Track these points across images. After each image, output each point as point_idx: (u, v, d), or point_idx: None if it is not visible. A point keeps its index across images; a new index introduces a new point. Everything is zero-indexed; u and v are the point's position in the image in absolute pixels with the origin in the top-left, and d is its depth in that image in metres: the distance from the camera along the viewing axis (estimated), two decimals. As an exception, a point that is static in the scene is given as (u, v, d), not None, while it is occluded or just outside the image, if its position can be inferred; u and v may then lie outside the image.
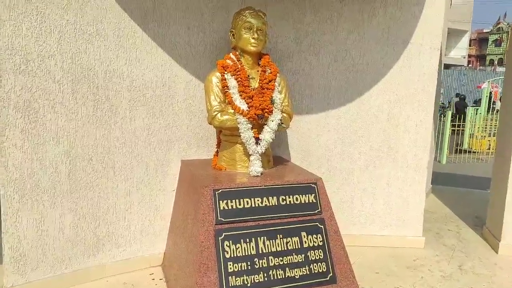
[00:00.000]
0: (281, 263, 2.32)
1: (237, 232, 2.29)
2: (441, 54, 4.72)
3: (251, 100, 2.56)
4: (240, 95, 2.56)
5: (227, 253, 2.23)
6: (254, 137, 2.57)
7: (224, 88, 2.59)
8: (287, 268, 2.32)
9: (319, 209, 2.51)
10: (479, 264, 3.25)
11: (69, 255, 2.66)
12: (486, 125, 9.68)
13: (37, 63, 2.39)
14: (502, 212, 3.44)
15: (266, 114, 2.55)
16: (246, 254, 2.26)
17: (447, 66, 29.74)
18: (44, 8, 2.37)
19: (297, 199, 2.48)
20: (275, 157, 3.09)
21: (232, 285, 2.18)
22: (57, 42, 2.45)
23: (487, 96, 10.80)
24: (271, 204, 2.42)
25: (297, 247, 2.38)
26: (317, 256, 2.41)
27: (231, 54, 2.71)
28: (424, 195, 3.52)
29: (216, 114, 2.57)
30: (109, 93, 2.68)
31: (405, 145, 3.44)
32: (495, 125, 9.33)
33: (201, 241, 2.21)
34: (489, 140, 9.34)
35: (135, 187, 2.87)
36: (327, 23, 3.26)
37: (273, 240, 2.34)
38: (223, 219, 2.29)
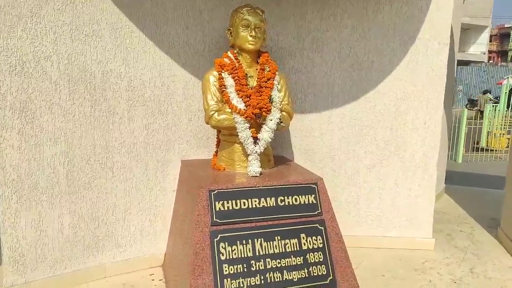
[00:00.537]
0: (279, 265, 2.25)
1: (233, 234, 2.24)
2: (453, 49, 4.58)
3: (248, 99, 2.50)
4: (237, 94, 2.50)
5: (223, 255, 2.18)
6: (252, 136, 2.51)
7: (221, 87, 2.54)
8: (285, 271, 2.25)
9: (320, 210, 2.44)
10: (492, 268, 3.11)
11: (68, 256, 2.66)
12: (505, 122, 9.37)
13: (33, 64, 2.39)
14: (517, 213, 3.30)
15: (264, 113, 2.49)
16: (242, 256, 2.21)
17: (466, 63, 29.06)
18: (39, 9, 2.37)
19: (296, 200, 2.42)
20: (278, 156, 3.03)
21: (228, 287, 2.13)
22: (53, 43, 2.44)
23: (506, 92, 10.44)
24: (269, 205, 2.36)
25: (295, 249, 2.31)
26: (316, 258, 2.33)
27: (229, 52, 2.66)
28: (434, 195, 3.40)
29: (213, 114, 2.52)
30: (106, 94, 2.67)
31: (413, 143, 3.33)
32: (514, 123, 9.04)
33: (196, 243, 2.16)
34: (508, 138, 9.03)
35: (134, 187, 2.85)
36: (330, 19, 3.17)
37: (271, 242, 2.28)
38: (218, 221, 2.24)
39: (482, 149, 8.87)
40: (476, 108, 19.91)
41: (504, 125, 9.32)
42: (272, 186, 2.40)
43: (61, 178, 2.57)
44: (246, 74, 2.60)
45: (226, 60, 2.61)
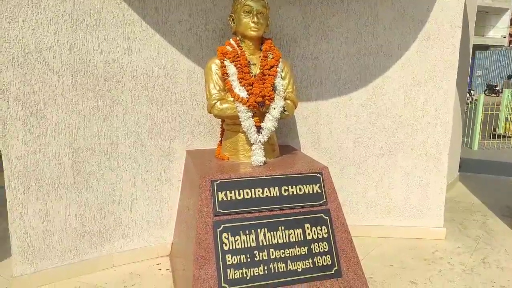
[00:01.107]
0: (283, 255, 2.23)
1: (236, 224, 2.22)
2: (467, 33, 4.42)
3: (251, 87, 2.45)
4: (240, 82, 2.46)
5: (226, 245, 2.17)
6: (255, 125, 2.47)
7: (224, 75, 2.50)
8: (289, 261, 2.23)
9: (324, 200, 2.39)
10: (505, 258, 3.03)
11: (76, 245, 2.69)
12: (524, 108, 9.08)
13: (35, 56, 2.39)
14: (532, 202, 3.20)
15: (267, 101, 2.44)
16: (246, 246, 2.19)
17: (485, 47, 28.24)
18: (40, -1, 2.36)
19: (300, 190, 2.38)
20: (283, 146, 2.99)
21: (231, 277, 2.12)
22: (55, 34, 2.43)
23: (526, 77, 10.07)
24: (272, 195, 2.33)
25: (300, 239, 2.28)
26: (321, 248, 2.30)
27: (231, 40, 2.61)
28: (445, 183, 3.31)
29: (215, 103, 2.49)
30: (110, 84, 2.66)
31: (424, 131, 3.24)
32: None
33: (199, 233, 2.15)
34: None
35: (140, 178, 2.85)
36: (336, 4, 3.08)
37: (274, 232, 2.25)
38: (221, 211, 2.22)
39: (500, 136, 8.62)
40: (494, 94, 19.40)
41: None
42: (276, 176, 2.37)
43: (66, 169, 2.59)
44: (249, 62, 2.55)
45: (228, 47, 2.56)
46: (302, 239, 2.28)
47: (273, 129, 2.51)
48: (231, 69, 2.49)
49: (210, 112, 2.55)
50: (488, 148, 8.04)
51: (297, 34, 3.10)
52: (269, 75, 2.51)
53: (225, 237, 2.18)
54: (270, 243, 2.23)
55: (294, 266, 2.23)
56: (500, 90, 21.00)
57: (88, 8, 2.52)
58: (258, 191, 2.31)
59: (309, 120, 3.22)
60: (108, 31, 2.60)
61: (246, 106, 2.42)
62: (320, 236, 2.32)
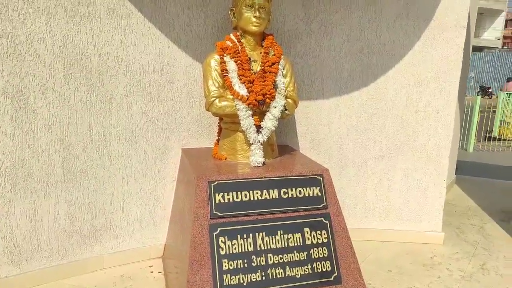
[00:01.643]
0: (281, 261, 2.15)
1: (233, 227, 2.13)
2: (469, 34, 4.36)
3: (251, 84, 2.36)
4: (240, 79, 2.37)
5: (222, 249, 2.08)
6: (255, 124, 2.38)
7: (223, 71, 2.40)
8: (287, 267, 2.15)
9: (325, 203, 2.32)
10: (504, 264, 2.99)
11: (65, 246, 2.58)
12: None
13: (25, 47, 2.27)
14: (532, 207, 3.15)
15: (267, 100, 2.35)
16: (243, 251, 2.10)
17: (480, 49, 28.39)
18: (31, -13, 2.24)
19: (300, 192, 2.30)
20: (282, 146, 2.90)
21: (227, 283, 2.03)
22: (46, 24, 2.31)
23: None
24: (271, 198, 2.24)
25: (299, 244, 2.20)
26: (321, 254, 2.22)
27: (231, 35, 2.51)
28: (445, 187, 3.26)
29: (213, 100, 2.39)
30: (103, 78, 2.54)
31: (425, 133, 3.18)
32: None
33: (194, 236, 2.06)
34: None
35: (133, 176, 2.75)
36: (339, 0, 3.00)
37: (273, 236, 2.17)
38: (218, 213, 2.13)
39: (494, 139, 8.63)
40: (487, 96, 19.48)
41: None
42: (275, 178, 2.29)
43: (56, 166, 2.48)
44: (249, 58, 2.45)
45: (228, 43, 2.46)
46: (301, 244, 2.21)
47: (273, 128, 2.43)
48: (231, 65, 2.40)
49: (208, 110, 2.45)
50: (483, 150, 8.04)
51: (299, 31, 3.01)
52: (270, 72, 2.42)
53: (221, 241, 2.09)
54: (268, 247, 2.15)
55: (293, 272, 2.15)
56: (493, 92, 21.12)
57: (82, -2, 2.40)
58: (257, 193, 2.23)
59: (309, 120, 3.14)
60: (103, 22, 2.49)
61: (246, 104, 2.33)
62: (319, 241, 2.24)
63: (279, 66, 2.47)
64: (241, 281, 2.06)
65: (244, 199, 2.19)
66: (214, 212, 2.12)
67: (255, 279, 2.08)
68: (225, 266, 2.06)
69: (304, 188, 2.31)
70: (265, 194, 2.24)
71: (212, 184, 2.17)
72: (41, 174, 2.43)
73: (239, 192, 2.19)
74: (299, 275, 2.16)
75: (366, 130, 3.18)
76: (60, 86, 2.42)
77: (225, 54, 2.42)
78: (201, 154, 2.71)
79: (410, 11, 3.02)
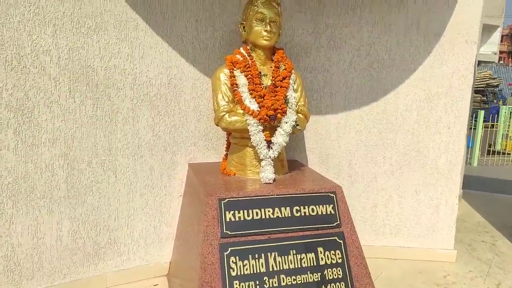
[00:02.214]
0: (294, 282, 2.06)
1: (244, 247, 2.04)
2: (476, 49, 4.34)
3: (262, 99, 2.30)
4: (250, 94, 2.31)
5: (233, 270, 1.99)
6: (265, 140, 2.31)
7: (233, 86, 2.34)
8: (300, 288, 2.06)
9: (338, 222, 2.24)
10: (520, 283, 2.90)
11: (67, 264, 2.49)
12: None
13: (30, 59, 2.21)
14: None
15: (279, 115, 2.29)
16: (255, 271, 2.01)
17: (477, 63, 28.59)
18: (38, -1, 2.19)
19: (313, 210, 2.22)
20: (291, 161, 2.83)
21: (238, 306, 1.95)
22: (53, 36, 2.26)
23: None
24: (283, 216, 2.17)
25: (312, 264, 2.11)
26: (335, 275, 2.13)
27: (241, 48, 2.46)
28: (457, 204, 3.18)
29: (223, 115, 2.33)
30: (110, 91, 2.48)
31: (436, 149, 3.11)
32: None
33: (204, 257, 1.98)
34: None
35: (138, 192, 2.67)
36: (349, 14, 2.96)
37: (285, 257, 2.08)
38: (229, 232, 2.05)
39: (498, 153, 8.59)
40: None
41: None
42: (287, 195, 2.21)
43: (60, 181, 2.39)
44: (260, 72, 2.40)
45: (238, 56, 2.41)
46: (315, 264, 2.12)
47: (284, 144, 2.36)
48: (241, 79, 2.34)
49: (217, 125, 2.39)
50: (487, 164, 7.99)
51: (308, 45, 2.97)
52: (281, 87, 2.36)
53: (232, 261, 2.00)
54: (281, 268, 2.06)
55: (306, 294, 2.06)
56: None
57: (90, 10, 2.35)
58: (269, 211, 2.15)
59: (318, 135, 3.08)
60: (110, 35, 2.44)
61: (257, 120, 2.26)
62: (334, 261, 2.16)
63: (290, 80, 2.42)
64: (253, 304, 1.97)
65: (255, 217, 2.11)
66: (224, 231, 2.04)
67: (267, 302, 1.99)
68: (237, 287, 1.96)
69: (317, 206, 2.23)
70: (277, 212, 2.16)
71: (222, 202, 2.09)
72: (44, 190, 2.35)
73: (250, 210, 2.12)
74: (313, 297, 2.07)
75: (376, 146, 3.12)
76: (65, 99, 2.36)
77: (235, 68, 2.37)
78: (209, 169, 2.64)
79: (420, 26, 2.99)
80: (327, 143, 3.10)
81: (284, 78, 2.39)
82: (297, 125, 2.39)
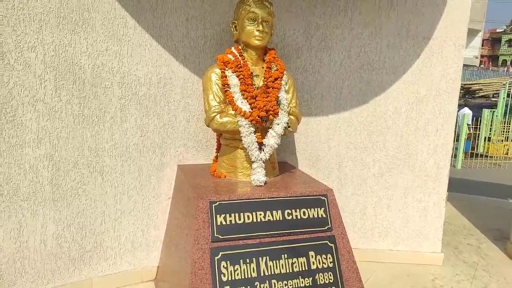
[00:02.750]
0: (286, 287, 2.03)
1: (236, 251, 2.01)
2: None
3: (254, 100, 2.27)
4: (242, 95, 2.27)
5: (224, 275, 1.95)
6: (257, 142, 2.28)
7: (225, 86, 2.30)
8: (292, 293, 2.04)
9: (329, 225, 2.22)
10: (506, 286, 2.93)
11: (51, 269, 2.40)
12: (503, 128, 9.26)
13: (14, 55, 2.13)
14: (531, 228, 3.13)
15: (271, 116, 2.26)
16: (246, 276, 1.98)
17: (459, 66, 29.11)
18: (23, -7, 2.11)
19: (304, 214, 2.20)
20: (281, 163, 2.80)
21: (229, 312, 1.91)
22: (38, 32, 2.18)
23: (504, 98, 10.34)
24: (275, 219, 2.14)
25: (304, 268, 2.09)
26: (326, 279, 2.12)
27: (233, 48, 2.42)
28: (444, 206, 3.21)
29: (215, 116, 2.29)
30: (97, 90, 2.41)
31: (424, 151, 3.13)
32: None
33: (194, 261, 1.93)
34: (507, 145, 8.93)
35: (126, 194, 2.60)
36: (340, 15, 2.95)
37: (277, 261, 2.06)
38: (220, 236, 2.01)
39: (480, 155, 8.75)
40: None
41: (502, 131, 9.21)
42: (279, 198, 2.18)
43: (45, 183, 2.31)
44: (252, 73, 2.37)
45: (230, 56, 2.37)
46: (306, 268, 2.10)
47: (276, 146, 2.33)
48: (233, 80, 2.30)
49: (208, 126, 2.35)
50: (470, 167, 8.12)
51: (299, 45, 2.95)
52: (273, 88, 2.33)
53: (223, 266, 1.97)
54: (272, 273, 2.03)
55: (298, 298, 2.04)
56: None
57: (77, 6, 2.28)
58: (260, 214, 2.12)
59: (308, 137, 3.06)
60: (98, 32, 2.37)
61: (249, 121, 2.23)
62: (325, 266, 2.14)
63: (282, 81, 2.39)
64: (244, 310, 1.93)
65: (247, 220, 2.08)
66: (215, 235, 2.00)
67: (258, 307, 1.96)
68: (228, 293, 1.93)
69: (308, 209, 2.21)
70: (269, 216, 2.13)
71: (213, 205, 2.05)
72: (28, 192, 2.27)
73: (241, 214, 2.08)
74: (304, 302, 2.04)
75: (366, 148, 3.12)
76: (51, 97, 2.28)
77: (226, 68, 2.33)
78: (198, 171, 2.59)
79: (410, 29, 3.00)
80: (317, 145, 3.09)
81: (276, 79, 2.36)
82: (289, 127, 2.37)
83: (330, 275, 2.13)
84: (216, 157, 2.61)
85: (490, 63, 43.46)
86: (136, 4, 2.46)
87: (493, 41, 44.80)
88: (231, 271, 1.96)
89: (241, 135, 2.26)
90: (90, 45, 2.35)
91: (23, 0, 2.11)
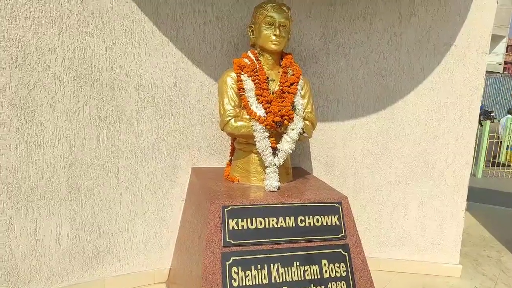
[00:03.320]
0: (297, 295, 2.01)
1: (247, 257, 1.99)
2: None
3: (269, 105, 2.25)
4: (257, 99, 2.26)
5: (235, 281, 1.94)
6: (271, 147, 2.26)
7: (240, 90, 2.30)
8: (303, 302, 2.01)
9: (343, 233, 2.18)
10: (526, 301, 2.84)
11: (65, 268, 2.44)
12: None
13: (35, 57, 2.18)
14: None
15: (285, 121, 2.25)
16: (257, 283, 1.96)
17: (482, 73, 28.48)
18: (45, -4, 2.15)
19: (318, 221, 2.17)
20: (295, 168, 2.78)
21: (239, 318, 1.89)
22: (58, 35, 2.22)
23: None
24: (287, 226, 2.11)
25: (316, 277, 2.06)
26: (339, 288, 2.08)
27: (249, 52, 2.42)
28: (463, 217, 3.12)
29: (229, 120, 2.28)
30: (114, 92, 2.44)
31: (443, 160, 3.06)
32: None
33: (206, 266, 1.92)
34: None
35: (140, 195, 2.62)
36: (359, 20, 2.92)
37: (289, 268, 2.03)
38: (232, 241, 1.99)
39: (502, 165, 8.50)
40: (488, 120, 19.40)
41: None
42: (292, 204, 2.16)
43: (61, 183, 2.35)
44: (267, 77, 2.35)
45: (246, 60, 2.37)
46: (319, 277, 2.06)
47: (290, 151, 2.31)
48: (248, 84, 2.29)
49: (223, 129, 2.34)
50: (491, 176, 7.90)
51: (316, 50, 2.92)
52: (288, 92, 2.32)
53: (234, 271, 1.95)
54: (284, 280, 2.01)
55: (309, 308, 2.01)
56: (495, 116, 21.06)
57: (97, 9, 2.32)
58: (273, 220, 2.10)
59: (324, 142, 3.03)
60: (117, 35, 2.40)
61: (263, 125, 2.22)
62: (338, 275, 2.10)
63: (298, 86, 2.37)
64: (254, 316, 1.91)
65: (259, 226, 2.06)
66: (227, 240, 1.98)
67: (269, 315, 1.93)
68: (238, 299, 1.91)
69: (322, 216, 2.18)
70: (281, 222, 2.10)
71: (226, 209, 2.04)
72: (44, 191, 2.31)
73: (254, 219, 2.06)
74: (316, 311, 2.01)
75: (383, 155, 3.06)
76: (69, 99, 2.32)
77: (242, 72, 2.32)
78: (212, 174, 2.59)
79: (430, 35, 2.94)
80: (332, 151, 3.05)
81: (292, 84, 2.34)
82: (304, 132, 2.34)
83: (343, 284, 2.09)
84: (230, 161, 2.61)
85: (515, 70, 42.33)
86: (154, 8, 2.48)
87: (518, 47, 43.62)
88: (242, 276, 1.95)
89: (255, 139, 2.25)
90: (108, 48, 2.39)
91: (45, 3, 2.15)
